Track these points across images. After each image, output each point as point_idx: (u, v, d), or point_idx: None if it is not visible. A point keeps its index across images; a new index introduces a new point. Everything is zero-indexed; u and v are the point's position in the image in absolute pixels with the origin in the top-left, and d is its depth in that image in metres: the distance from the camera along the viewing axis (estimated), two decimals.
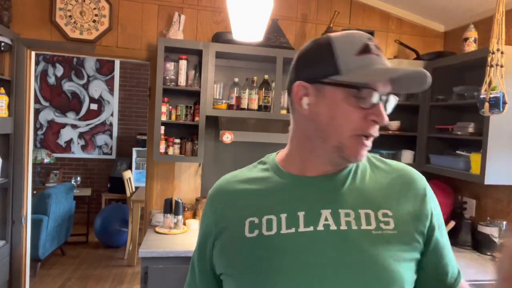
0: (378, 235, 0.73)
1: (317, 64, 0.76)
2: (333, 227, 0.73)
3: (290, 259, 0.72)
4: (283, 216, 0.76)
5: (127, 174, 4.86)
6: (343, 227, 0.73)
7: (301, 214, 0.75)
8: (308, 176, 0.80)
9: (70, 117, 5.94)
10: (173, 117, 2.61)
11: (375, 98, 0.72)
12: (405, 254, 0.74)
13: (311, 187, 0.79)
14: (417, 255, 0.76)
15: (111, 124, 6.07)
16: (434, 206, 0.81)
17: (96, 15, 2.66)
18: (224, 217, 0.81)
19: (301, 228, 0.74)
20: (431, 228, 0.79)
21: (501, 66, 1.89)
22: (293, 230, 0.74)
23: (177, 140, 2.63)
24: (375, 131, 0.75)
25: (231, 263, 0.77)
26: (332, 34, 0.77)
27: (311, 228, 0.74)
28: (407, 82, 0.76)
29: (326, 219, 0.74)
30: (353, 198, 0.77)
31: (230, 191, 0.84)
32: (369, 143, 0.76)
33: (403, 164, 0.86)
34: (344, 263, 0.71)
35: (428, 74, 0.72)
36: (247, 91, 2.62)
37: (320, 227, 0.73)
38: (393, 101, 0.76)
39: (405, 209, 0.77)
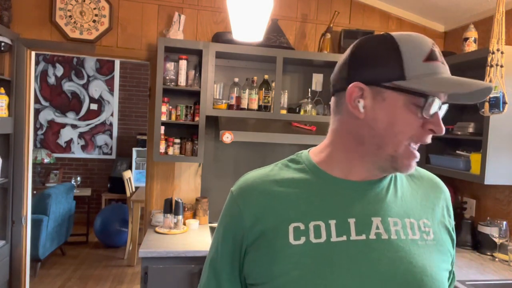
0: (423, 245, 0.72)
1: (380, 66, 0.70)
2: (384, 236, 0.71)
3: (342, 269, 0.68)
4: (332, 223, 0.71)
5: (127, 174, 4.86)
6: (394, 236, 0.71)
7: (351, 221, 0.71)
8: (353, 180, 0.75)
9: (70, 117, 5.94)
10: (173, 117, 2.61)
11: (436, 107, 0.69)
12: (444, 264, 0.74)
13: (357, 192, 0.74)
14: (449, 266, 0.77)
15: (111, 124, 6.07)
16: (453, 218, 0.84)
17: (96, 15, 2.66)
18: (261, 221, 0.73)
19: (353, 236, 0.70)
20: (453, 240, 0.80)
21: (501, 66, 1.89)
22: (344, 238, 0.70)
23: (177, 140, 2.63)
24: (429, 140, 0.72)
25: (272, 273, 0.70)
26: (395, 34, 0.72)
27: (363, 237, 0.70)
28: (467, 94, 0.72)
29: (377, 228, 0.71)
30: (398, 207, 0.75)
31: (267, 192, 0.76)
32: (418, 154, 0.73)
33: (429, 172, 0.87)
34: (397, 273, 0.69)
35: (491, 87, 0.70)
36: (247, 91, 2.62)
37: (372, 236, 0.70)
38: (444, 109, 0.73)
39: (438, 219, 0.78)
